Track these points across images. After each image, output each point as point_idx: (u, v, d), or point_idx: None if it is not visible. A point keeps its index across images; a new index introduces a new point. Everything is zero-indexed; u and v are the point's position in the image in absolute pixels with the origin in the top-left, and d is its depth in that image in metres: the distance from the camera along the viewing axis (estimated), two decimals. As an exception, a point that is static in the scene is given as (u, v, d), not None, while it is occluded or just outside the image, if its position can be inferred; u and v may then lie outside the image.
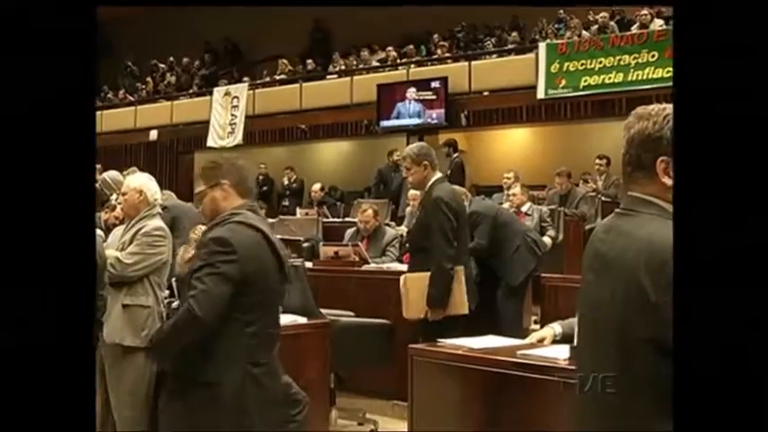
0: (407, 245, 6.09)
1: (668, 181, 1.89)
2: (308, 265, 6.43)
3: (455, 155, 11.88)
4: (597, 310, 1.93)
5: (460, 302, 4.83)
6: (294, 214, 10.89)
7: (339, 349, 4.72)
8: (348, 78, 15.13)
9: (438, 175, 5.05)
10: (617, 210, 1.99)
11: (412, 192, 7.74)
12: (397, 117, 13.82)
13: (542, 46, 12.77)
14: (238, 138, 15.38)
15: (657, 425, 1.72)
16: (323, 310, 4.90)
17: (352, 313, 5.42)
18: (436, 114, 13.43)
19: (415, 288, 4.83)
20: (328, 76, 15.92)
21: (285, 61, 16.81)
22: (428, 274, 4.77)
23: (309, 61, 16.74)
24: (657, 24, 12.42)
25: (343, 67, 16.07)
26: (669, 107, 1.97)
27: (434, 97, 13.47)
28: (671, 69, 11.46)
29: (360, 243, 7.19)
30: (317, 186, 12.44)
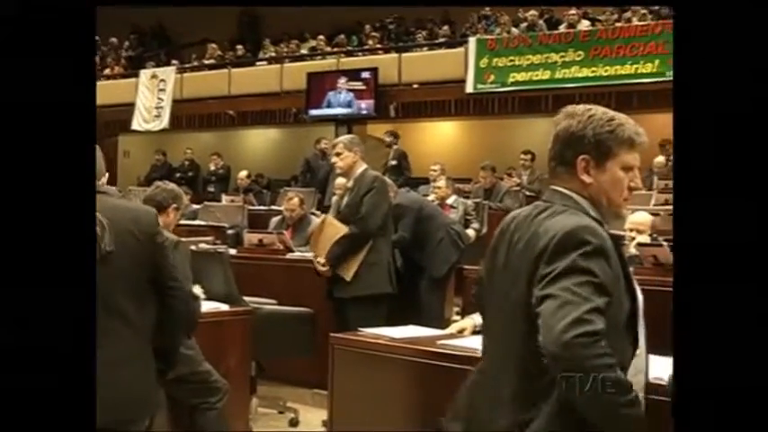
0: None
1: (586, 178, 1.99)
2: (232, 252, 6.37)
3: (396, 145, 11.92)
4: (503, 294, 2.01)
5: (348, 269, 5.04)
6: (219, 201, 10.75)
7: (261, 337, 4.70)
8: (278, 66, 15.01)
9: (365, 165, 5.29)
10: (536, 202, 2.07)
11: (338, 181, 7.74)
12: (328, 106, 13.78)
13: (472, 41, 12.89)
14: (165, 122, 15.12)
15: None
16: (246, 298, 4.87)
17: (274, 301, 5.40)
18: (365, 105, 13.45)
19: (329, 233, 5.16)
20: (258, 63, 15.77)
21: (214, 46, 16.58)
22: (346, 229, 5.07)
23: (239, 47, 16.54)
24: (584, 25, 12.71)
25: (273, 55, 15.93)
26: (595, 108, 2.05)
27: (364, 88, 13.48)
28: (596, 69, 11.76)
29: (284, 231, 7.16)
30: (243, 173, 12.31)
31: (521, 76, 12.26)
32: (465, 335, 3.41)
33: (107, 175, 3.13)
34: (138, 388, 2.53)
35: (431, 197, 7.90)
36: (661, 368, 2.56)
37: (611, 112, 2.06)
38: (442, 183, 8.04)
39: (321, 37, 15.57)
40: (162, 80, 15.48)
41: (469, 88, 12.58)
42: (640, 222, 5.64)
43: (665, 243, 5.28)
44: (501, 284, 2.05)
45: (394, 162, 11.22)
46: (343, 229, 5.10)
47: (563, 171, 2.05)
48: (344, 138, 5.46)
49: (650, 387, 2.32)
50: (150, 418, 2.67)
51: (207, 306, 4.22)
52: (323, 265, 5.10)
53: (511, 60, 12.39)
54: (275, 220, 7.90)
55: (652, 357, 2.64)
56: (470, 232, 7.45)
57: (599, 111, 2.06)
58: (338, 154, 5.23)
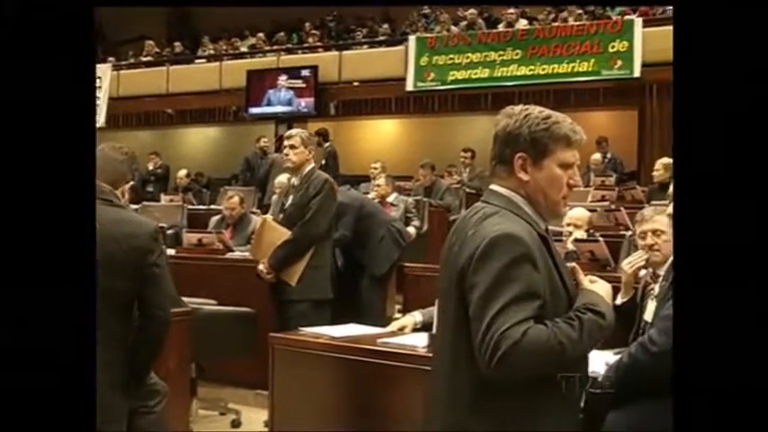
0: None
1: (524, 176, 2.02)
2: (171, 252, 6.29)
3: (327, 144, 11.87)
4: (443, 296, 2.04)
5: (293, 274, 4.86)
6: (158, 200, 10.60)
7: (200, 338, 4.65)
8: (217, 63, 14.86)
9: (314, 164, 5.14)
10: (476, 203, 2.10)
11: (279, 179, 7.70)
12: (268, 104, 13.70)
13: (412, 39, 12.96)
14: (101, 120, 14.80)
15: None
16: (185, 299, 4.80)
17: (214, 302, 5.34)
18: (305, 103, 13.41)
19: (270, 237, 4.94)
20: (197, 60, 15.59)
21: (151, 43, 16.34)
22: (288, 232, 4.87)
23: (177, 44, 16.33)
24: (522, 24, 12.86)
25: (212, 52, 15.76)
26: (533, 108, 2.09)
27: (304, 86, 13.44)
28: (534, 67, 11.93)
29: (224, 231, 7.10)
30: (182, 172, 12.16)
31: (460, 75, 12.36)
32: (406, 332, 3.43)
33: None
34: (105, 396, 2.53)
35: (371, 195, 7.91)
36: (597, 362, 2.61)
37: (549, 111, 2.09)
38: (382, 181, 8.06)
39: (261, 34, 15.47)
40: (98, 77, 15.19)
41: (409, 86, 12.64)
42: (577, 218, 5.74)
43: (601, 239, 5.38)
44: (441, 284, 2.08)
45: (323, 161, 11.16)
46: (284, 233, 4.89)
47: (502, 170, 2.08)
48: (302, 132, 5.18)
49: (588, 381, 2.37)
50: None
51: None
52: (266, 272, 4.89)
53: (450, 59, 12.48)
54: (215, 219, 7.83)
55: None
56: (411, 230, 7.47)
57: (535, 110, 2.09)
58: (293, 147, 4.99)
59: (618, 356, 2.54)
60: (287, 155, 5.03)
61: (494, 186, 2.10)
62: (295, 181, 5.09)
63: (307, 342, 3.45)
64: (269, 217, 5.31)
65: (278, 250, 4.84)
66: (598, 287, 2.03)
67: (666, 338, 2.25)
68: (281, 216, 5.09)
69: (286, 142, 5.05)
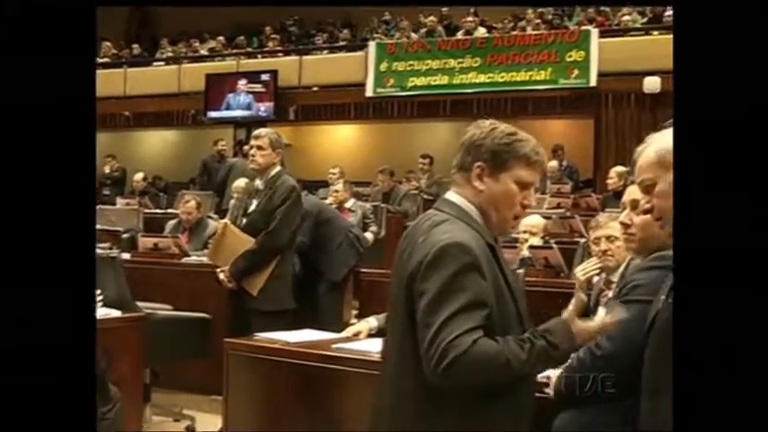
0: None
1: (479, 185, 2.06)
2: (126, 256, 6.23)
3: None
4: (392, 302, 2.07)
5: (255, 284, 4.71)
6: (114, 204, 10.48)
7: (155, 343, 4.61)
8: (176, 66, 14.76)
9: (280, 168, 4.94)
10: (429, 210, 2.13)
11: (236, 184, 7.66)
12: (227, 108, 13.64)
13: (372, 45, 13.02)
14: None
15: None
16: (140, 304, 4.76)
17: (169, 307, 5.30)
18: (265, 107, 13.38)
19: (230, 242, 4.77)
20: (155, 63, 15.46)
21: (109, 44, 16.15)
22: (251, 240, 4.69)
23: (135, 46, 16.17)
24: (481, 32, 12.98)
25: (171, 54, 15.64)
26: (502, 124, 2.13)
27: (264, 90, 13.42)
28: (492, 75, 12.06)
29: (180, 235, 7.04)
30: (139, 176, 12.03)
31: (419, 81, 12.45)
32: (360, 338, 3.44)
33: None
34: None
35: (329, 200, 7.92)
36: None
37: (516, 130, 2.13)
38: (340, 186, 8.06)
39: (220, 38, 15.40)
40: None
41: (369, 92, 12.70)
42: (533, 225, 5.80)
43: (555, 246, 5.45)
44: (391, 290, 2.10)
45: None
46: (246, 241, 4.71)
47: (460, 177, 2.12)
48: (271, 133, 4.92)
49: (537, 385, 2.40)
50: None
51: (98, 312, 4.11)
52: (228, 281, 4.71)
53: (410, 65, 12.57)
54: (171, 223, 7.76)
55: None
56: (368, 236, 7.49)
57: (503, 125, 2.13)
58: (260, 148, 4.75)
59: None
60: (253, 155, 4.80)
61: (448, 194, 2.13)
62: (260, 184, 4.85)
63: (261, 347, 3.44)
64: (229, 222, 5.07)
65: (240, 260, 4.67)
66: (579, 323, 2.03)
67: (612, 344, 2.29)
68: (243, 220, 4.87)
69: (254, 142, 4.83)
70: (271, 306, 4.69)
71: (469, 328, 1.86)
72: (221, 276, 4.73)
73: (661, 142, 2.02)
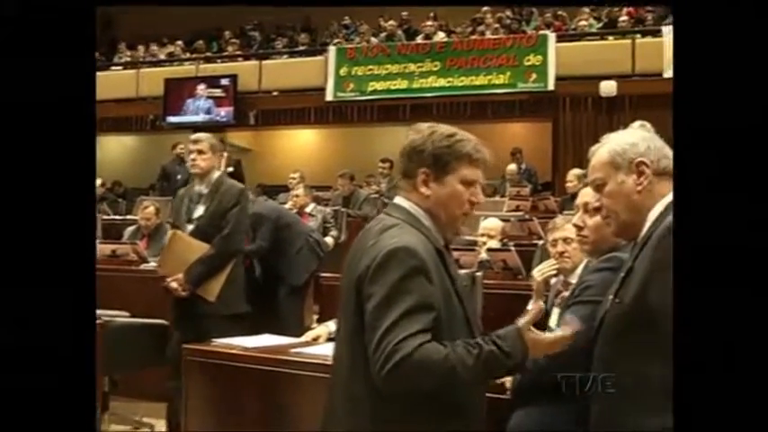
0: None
1: (425, 191, 2.07)
2: (84, 263, 6.15)
3: (226, 153, 11.69)
4: (343, 306, 2.09)
5: (211, 290, 4.63)
6: (71, 210, 10.33)
7: (112, 351, 4.56)
8: (134, 70, 14.62)
9: (221, 172, 4.90)
10: (379, 215, 2.15)
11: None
12: (186, 113, 13.54)
13: (332, 49, 13.03)
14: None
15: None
16: (97, 311, 4.71)
17: (127, 314, 5.24)
18: (225, 112, 13.31)
19: (181, 250, 4.65)
20: (113, 67, 15.28)
21: (65, 49, 15.94)
22: (204, 246, 4.60)
23: (92, 50, 15.98)
24: (440, 36, 13.05)
25: (129, 59, 15.49)
26: (440, 126, 2.14)
27: (224, 95, 13.34)
28: (452, 79, 12.13)
29: (139, 241, 6.99)
30: (97, 182, 11.89)
31: (379, 85, 12.49)
32: (320, 342, 3.44)
33: None
34: None
35: (289, 205, 7.90)
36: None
37: (455, 130, 2.14)
38: (300, 191, 8.05)
39: (179, 42, 15.28)
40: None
41: (329, 96, 12.70)
42: (491, 228, 5.86)
43: (513, 248, 5.50)
44: (342, 292, 2.12)
45: (230, 169, 11.00)
46: (198, 247, 4.61)
47: (406, 184, 2.13)
48: (210, 137, 4.85)
49: (492, 386, 2.43)
50: None
51: (54, 320, 4.06)
52: (182, 288, 4.57)
53: (370, 69, 12.60)
54: (130, 229, 7.70)
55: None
56: (329, 240, 7.50)
57: (442, 128, 2.14)
58: (201, 152, 4.67)
59: None
60: (194, 160, 4.71)
61: (397, 199, 2.15)
62: (203, 189, 4.74)
63: (220, 353, 3.43)
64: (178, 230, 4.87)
65: (198, 266, 4.57)
66: (537, 337, 2.00)
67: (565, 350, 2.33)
68: (189, 227, 4.74)
69: (193, 146, 4.74)
70: (229, 310, 4.64)
71: (415, 331, 1.87)
72: (173, 285, 4.60)
73: (615, 143, 2.06)
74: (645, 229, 1.98)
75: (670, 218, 1.88)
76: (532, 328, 1.99)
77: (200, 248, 4.61)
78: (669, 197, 1.97)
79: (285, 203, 8.08)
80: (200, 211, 4.71)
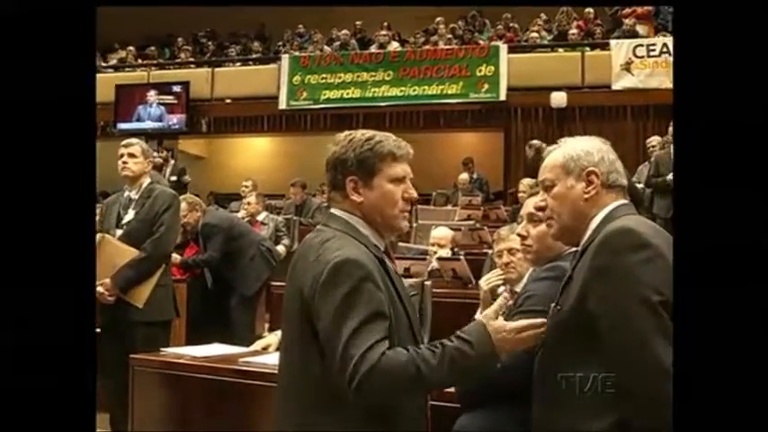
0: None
1: (357, 198, 2.09)
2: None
3: (172, 161, 11.65)
4: (286, 318, 2.10)
5: (140, 294, 4.48)
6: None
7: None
8: (84, 76, 14.40)
9: (151, 179, 4.76)
10: (318, 226, 2.16)
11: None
12: (137, 120, 13.40)
13: (285, 58, 13.02)
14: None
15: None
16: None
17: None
18: (177, 119, 13.20)
19: (109, 255, 4.46)
20: (62, 73, 15.06)
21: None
22: (134, 250, 4.48)
23: (41, 55, 15.74)
24: (394, 46, 13.13)
25: (78, 65, 15.27)
26: (356, 132, 2.16)
27: (176, 102, 13.22)
28: (404, 89, 12.20)
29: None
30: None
31: (332, 94, 12.52)
32: (270, 351, 3.44)
33: None
34: None
35: (241, 213, 7.88)
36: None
37: (372, 132, 2.15)
38: (252, 199, 8.02)
39: (131, 48, 15.12)
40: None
41: (282, 105, 12.69)
42: (441, 237, 5.91)
43: (462, 257, 5.56)
44: (286, 303, 2.12)
45: (174, 177, 10.91)
46: (127, 251, 4.46)
47: (337, 195, 2.14)
48: (141, 142, 4.75)
49: (439, 394, 2.47)
50: None
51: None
52: (108, 293, 4.36)
53: (323, 78, 12.62)
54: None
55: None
56: (281, 248, 7.49)
57: (358, 133, 2.15)
58: (132, 156, 4.56)
59: None
60: (125, 163, 4.59)
61: (333, 210, 2.15)
62: (133, 194, 4.61)
63: (168, 363, 3.41)
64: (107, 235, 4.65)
65: (127, 270, 4.42)
66: (499, 326, 2.00)
67: (509, 353, 2.36)
68: (118, 232, 4.58)
69: (124, 150, 4.62)
70: (157, 316, 4.51)
71: (375, 340, 1.88)
72: (99, 290, 4.38)
73: (571, 148, 2.11)
74: (585, 237, 2.03)
75: (609, 226, 1.94)
76: (493, 319, 1.99)
77: (130, 253, 4.48)
78: (611, 206, 2.03)
79: (237, 212, 8.05)
80: (130, 215, 4.61)
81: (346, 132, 2.17)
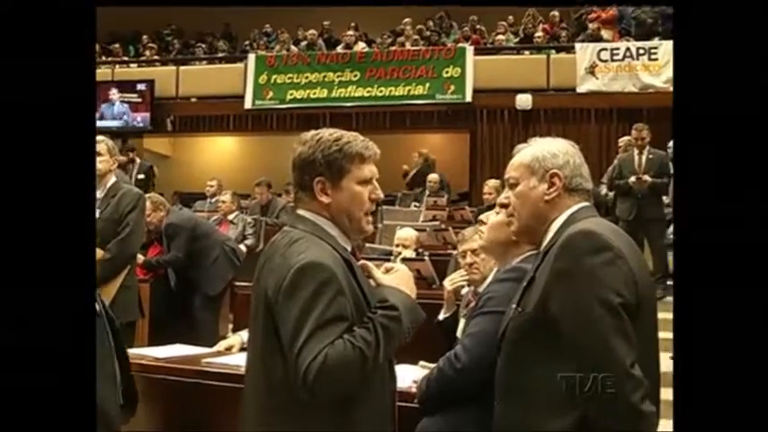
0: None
1: (324, 199, 2.09)
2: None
3: (138, 159, 11.54)
4: (253, 318, 2.10)
5: (105, 295, 4.29)
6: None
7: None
8: (47, 74, 14.22)
9: (116, 178, 4.72)
10: (284, 227, 2.15)
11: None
12: (101, 118, 13.23)
13: (252, 57, 12.95)
14: None
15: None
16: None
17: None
18: (141, 118, 13.07)
19: None
20: (24, 70, 14.85)
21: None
22: (98, 251, 4.34)
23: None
24: (361, 46, 13.13)
25: (41, 61, 15.08)
26: (324, 131, 2.15)
27: (140, 100, 13.10)
28: (371, 89, 12.21)
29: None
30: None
31: (299, 94, 12.48)
32: (233, 352, 3.43)
33: None
34: None
35: (205, 214, 7.83)
36: (406, 378, 2.73)
37: (340, 132, 2.15)
38: (227, 197, 7.95)
39: (95, 45, 14.95)
40: None
41: (248, 104, 12.62)
42: (405, 238, 5.93)
43: (427, 258, 5.58)
44: (252, 303, 2.12)
45: (141, 176, 10.80)
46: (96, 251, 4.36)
47: (304, 195, 2.14)
48: (107, 140, 4.64)
49: (401, 395, 2.47)
50: None
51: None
52: None
53: (290, 78, 12.57)
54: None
55: (403, 367, 2.82)
56: (243, 248, 7.46)
57: (326, 133, 2.14)
58: (98, 154, 4.45)
59: (426, 371, 2.67)
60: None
61: (300, 210, 2.15)
62: (98, 193, 4.51)
63: (131, 364, 3.37)
64: None
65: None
66: (395, 277, 2.09)
67: (468, 355, 2.38)
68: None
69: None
70: (122, 317, 4.34)
71: (328, 343, 1.88)
72: None
73: (539, 149, 2.13)
74: (547, 240, 2.05)
75: (570, 228, 1.97)
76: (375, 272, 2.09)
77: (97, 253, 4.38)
78: (573, 209, 2.05)
79: (201, 211, 8.00)
80: (96, 215, 4.52)
81: (313, 132, 2.16)
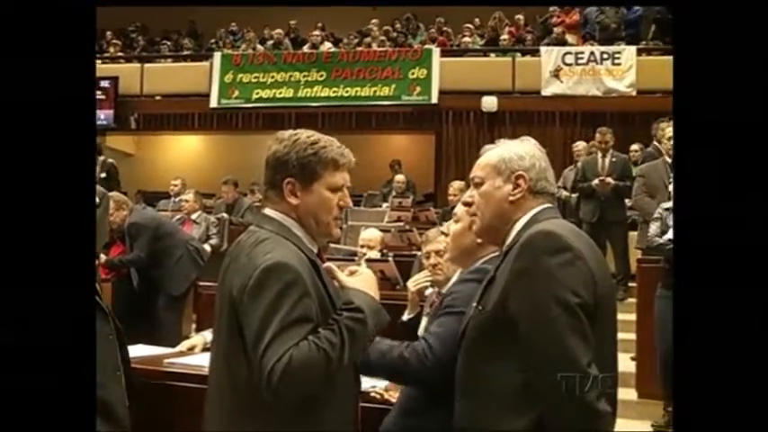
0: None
1: (293, 200, 2.09)
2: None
3: (101, 157, 11.42)
4: (218, 318, 2.10)
5: None
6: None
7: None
8: (8, 69, 14.01)
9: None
10: (250, 227, 2.14)
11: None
12: (63, 115, 13.10)
13: (217, 56, 12.89)
14: None
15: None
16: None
17: None
18: (105, 115, 12.91)
19: None
20: (-15, 66, 14.62)
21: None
22: None
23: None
24: (327, 46, 13.12)
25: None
26: (302, 132, 2.15)
27: (104, 97, 12.95)
28: (337, 89, 12.21)
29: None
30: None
31: (265, 93, 12.44)
32: (196, 352, 3.41)
33: None
34: None
35: (168, 213, 7.76)
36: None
37: (318, 136, 2.15)
38: (191, 196, 7.90)
39: (57, 42, 14.77)
40: None
41: (213, 103, 12.55)
42: (370, 239, 5.94)
43: (391, 259, 5.59)
44: (217, 303, 2.11)
45: (103, 174, 10.69)
46: None
47: (273, 194, 2.13)
48: None
49: (366, 398, 2.49)
50: None
51: None
52: None
53: (255, 77, 12.52)
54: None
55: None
56: (207, 247, 7.41)
57: (304, 134, 2.15)
58: None
59: None
60: None
61: (267, 210, 2.14)
62: None
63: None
64: None
65: None
66: (359, 280, 2.09)
67: (435, 355, 2.39)
68: None
69: None
70: None
71: (293, 344, 1.88)
72: None
73: (506, 150, 2.14)
74: (509, 240, 2.07)
75: (531, 229, 1.99)
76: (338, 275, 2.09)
77: None
78: (535, 210, 2.07)
79: (165, 210, 7.94)
80: None
81: (291, 131, 2.16)
